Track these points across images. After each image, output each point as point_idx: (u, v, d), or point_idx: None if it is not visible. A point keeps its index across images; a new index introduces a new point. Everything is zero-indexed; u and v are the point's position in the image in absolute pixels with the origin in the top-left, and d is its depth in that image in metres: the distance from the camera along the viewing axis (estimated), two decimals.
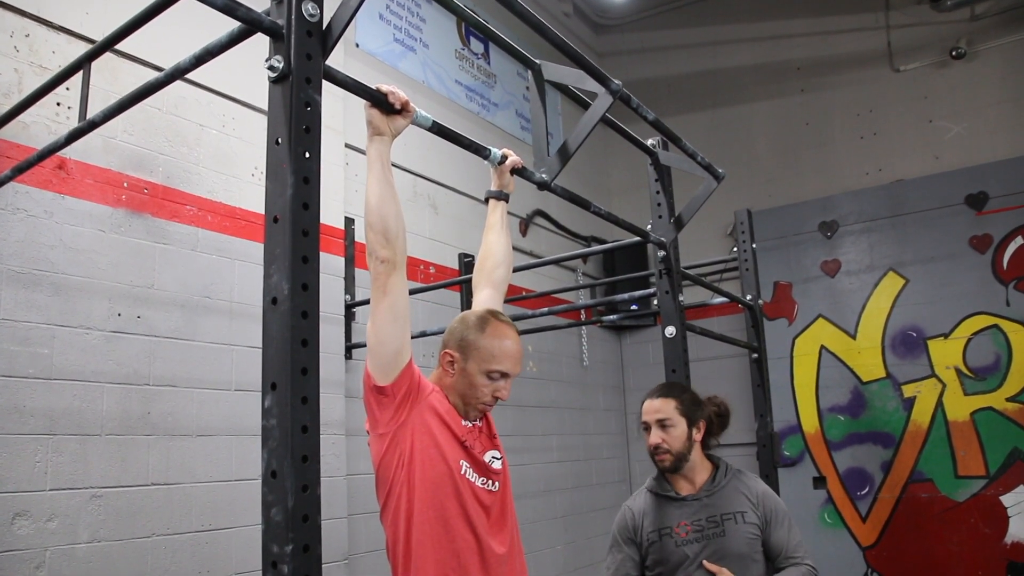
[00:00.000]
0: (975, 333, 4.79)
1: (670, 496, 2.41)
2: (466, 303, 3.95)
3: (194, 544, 2.64)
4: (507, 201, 2.26)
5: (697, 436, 2.41)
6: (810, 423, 5.21)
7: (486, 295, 2.13)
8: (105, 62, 2.52)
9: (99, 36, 2.38)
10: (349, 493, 3.26)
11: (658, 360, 2.93)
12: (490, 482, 1.86)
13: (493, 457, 1.90)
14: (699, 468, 2.42)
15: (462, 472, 1.79)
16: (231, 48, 1.55)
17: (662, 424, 2.38)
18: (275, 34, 1.39)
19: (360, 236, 3.57)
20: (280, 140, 1.35)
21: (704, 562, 2.25)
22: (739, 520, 2.31)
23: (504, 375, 1.87)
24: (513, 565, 1.87)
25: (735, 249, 4.16)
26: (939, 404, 4.84)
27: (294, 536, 1.21)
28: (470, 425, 1.88)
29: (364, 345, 3.33)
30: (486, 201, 2.26)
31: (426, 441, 1.77)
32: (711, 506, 2.35)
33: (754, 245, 4.11)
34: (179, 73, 1.68)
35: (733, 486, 2.38)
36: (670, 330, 2.75)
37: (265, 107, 1.41)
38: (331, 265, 3.33)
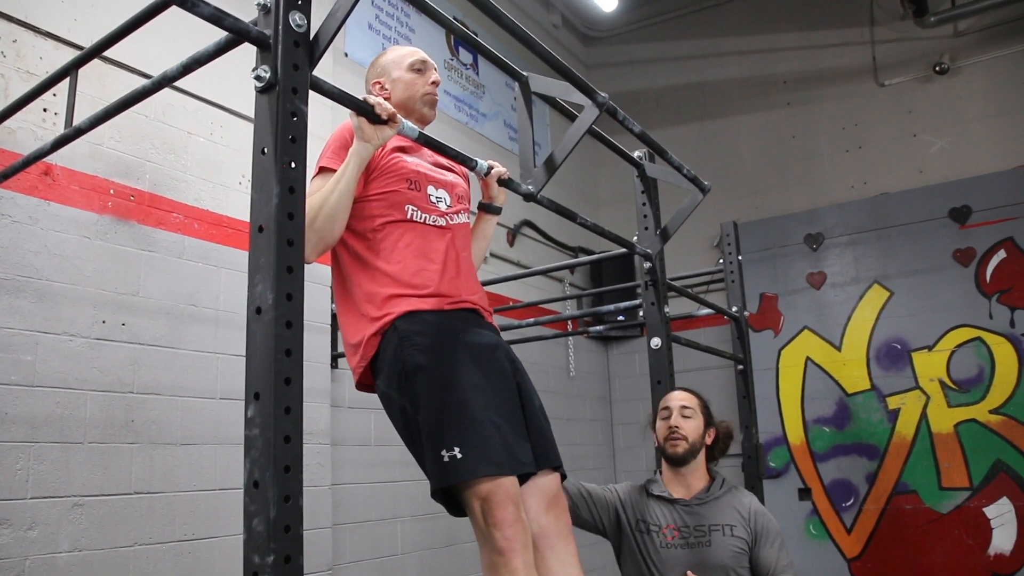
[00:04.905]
0: (959, 345, 4.83)
1: (663, 496, 2.42)
2: None
3: (176, 553, 2.62)
4: (497, 214, 2.25)
5: (708, 440, 2.46)
6: (795, 434, 5.23)
7: None
8: (92, 68, 2.51)
9: (87, 43, 2.37)
10: (334, 503, 3.24)
11: (644, 371, 2.95)
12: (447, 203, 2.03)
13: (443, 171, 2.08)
14: (698, 475, 2.44)
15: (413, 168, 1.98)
16: (218, 57, 1.55)
17: (684, 412, 2.46)
18: (262, 44, 1.40)
19: None
20: (266, 150, 1.35)
21: (689, 573, 2.26)
22: (726, 532, 2.31)
23: (424, 61, 2.06)
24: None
25: (721, 261, 4.19)
26: (923, 416, 4.87)
27: (276, 547, 1.21)
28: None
29: None
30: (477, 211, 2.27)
31: (378, 157, 1.94)
32: (700, 515, 2.36)
33: (740, 257, 4.14)
34: (166, 81, 1.68)
35: (727, 500, 2.39)
36: (655, 341, 2.76)
37: (253, 116, 1.41)
38: (317, 274, 3.32)
